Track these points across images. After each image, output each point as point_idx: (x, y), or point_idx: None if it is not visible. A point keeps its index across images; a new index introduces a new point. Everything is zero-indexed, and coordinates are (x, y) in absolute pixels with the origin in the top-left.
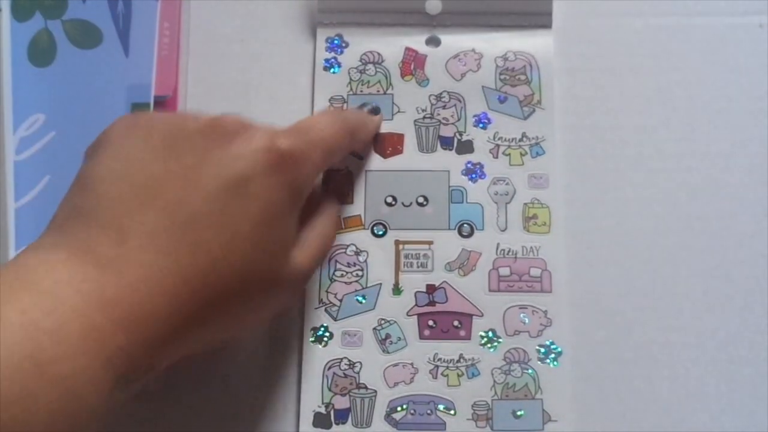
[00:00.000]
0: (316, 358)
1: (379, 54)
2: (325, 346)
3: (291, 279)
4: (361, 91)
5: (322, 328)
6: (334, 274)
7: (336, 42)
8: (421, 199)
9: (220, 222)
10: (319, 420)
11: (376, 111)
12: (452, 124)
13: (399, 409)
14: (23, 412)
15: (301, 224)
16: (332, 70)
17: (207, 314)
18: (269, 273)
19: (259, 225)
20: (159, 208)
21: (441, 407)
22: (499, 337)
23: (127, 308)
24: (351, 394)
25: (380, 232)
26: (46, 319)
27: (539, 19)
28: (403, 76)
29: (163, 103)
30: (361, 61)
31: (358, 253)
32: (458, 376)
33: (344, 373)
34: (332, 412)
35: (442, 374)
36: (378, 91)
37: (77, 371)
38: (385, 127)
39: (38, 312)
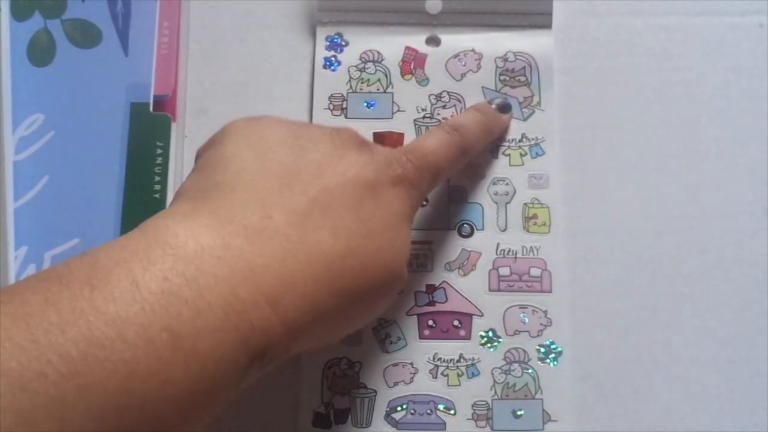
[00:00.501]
0: (316, 357)
1: (379, 53)
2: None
3: (401, 284)
4: (361, 90)
5: None
6: None
7: (336, 41)
8: None
9: (358, 215)
10: (319, 420)
11: (505, 108)
12: None
13: (399, 408)
14: (158, 386)
15: None
16: (332, 68)
17: (342, 302)
18: (394, 274)
19: (389, 228)
20: (299, 191)
21: (441, 407)
22: (499, 337)
23: (273, 281)
24: (351, 393)
25: None
26: (187, 287)
27: (539, 18)
28: (403, 75)
29: (163, 102)
30: (361, 59)
31: None
32: (458, 375)
33: (344, 373)
34: (332, 412)
35: (442, 374)
36: (378, 89)
37: (216, 347)
38: (385, 126)
39: (179, 279)
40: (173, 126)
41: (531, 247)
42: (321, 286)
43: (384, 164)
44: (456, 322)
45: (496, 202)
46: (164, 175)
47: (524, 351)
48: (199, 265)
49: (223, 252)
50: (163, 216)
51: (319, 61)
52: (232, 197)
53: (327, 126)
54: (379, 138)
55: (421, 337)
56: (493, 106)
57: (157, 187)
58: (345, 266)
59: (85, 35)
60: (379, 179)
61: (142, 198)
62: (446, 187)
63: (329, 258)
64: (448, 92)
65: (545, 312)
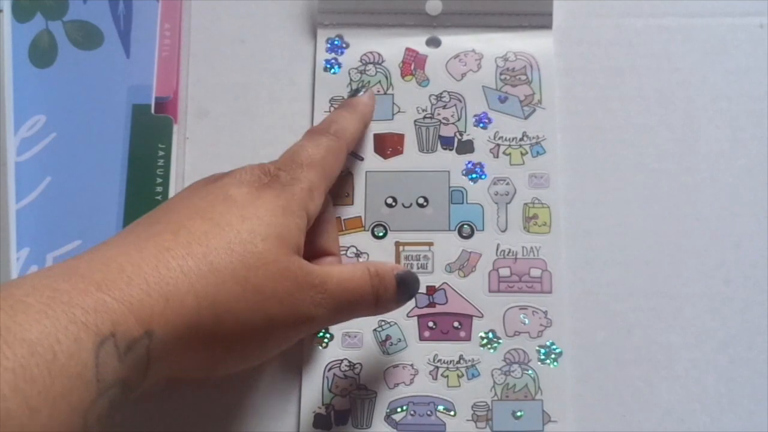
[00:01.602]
0: (317, 359)
1: (379, 54)
2: (325, 347)
3: (296, 272)
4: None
5: (323, 330)
6: None
7: (336, 42)
8: (421, 200)
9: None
10: (320, 421)
11: (357, 92)
12: (452, 123)
13: (399, 410)
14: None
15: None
16: (332, 70)
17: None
18: (264, 260)
19: (247, 222)
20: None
21: (441, 408)
22: (499, 338)
23: (101, 271)
24: (351, 395)
25: (380, 234)
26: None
27: (539, 19)
28: (403, 76)
29: (164, 104)
30: (361, 61)
31: (358, 254)
32: (458, 377)
33: (344, 375)
34: (332, 413)
35: (442, 375)
36: (378, 91)
37: (43, 332)
38: (386, 128)
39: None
40: (175, 128)
41: (531, 248)
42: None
43: (242, 179)
44: (456, 324)
45: (496, 203)
46: (166, 177)
47: (524, 352)
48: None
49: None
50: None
51: (320, 64)
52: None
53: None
54: (380, 139)
55: (422, 338)
56: (364, 93)
57: (159, 188)
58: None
59: (87, 37)
60: (234, 188)
61: (143, 199)
62: (446, 188)
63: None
64: (448, 92)
65: (545, 313)
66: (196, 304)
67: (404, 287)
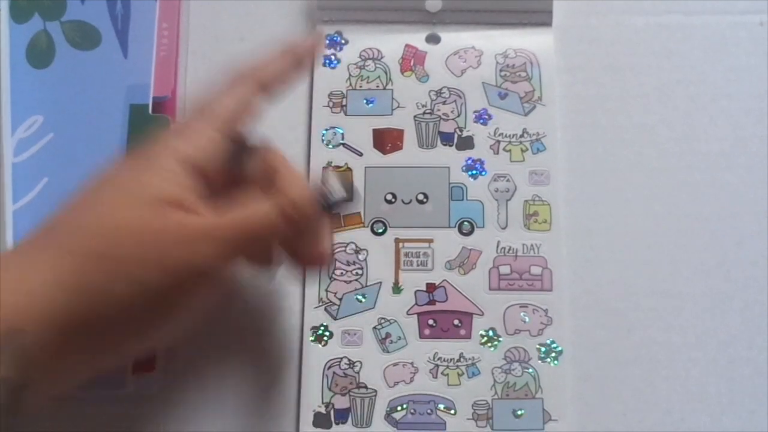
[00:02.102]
0: (316, 357)
1: (378, 50)
2: (325, 345)
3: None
4: (361, 87)
5: (322, 327)
6: (333, 272)
7: (336, 39)
8: (421, 197)
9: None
10: (319, 420)
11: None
12: (452, 119)
13: (399, 408)
14: None
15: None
16: (331, 66)
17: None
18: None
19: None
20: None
21: (441, 407)
22: (500, 336)
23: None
24: (351, 393)
25: (380, 230)
26: None
27: (539, 17)
28: (402, 72)
29: (162, 104)
30: (360, 57)
31: (357, 251)
32: (458, 375)
33: (344, 373)
34: (332, 412)
35: (442, 373)
36: (378, 86)
37: None
38: (385, 123)
39: None
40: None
41: (532, 245)
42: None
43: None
44: (456, 321)
45: (496, 199)
46: None
47: (524, 350)
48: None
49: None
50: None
51: (319, 60)
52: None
53: None
54: (379, 135)
55: (422, 336)
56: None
57: None
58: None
59: (85, 37)
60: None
61: None
62: (446, 184)
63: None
64: (448, 88)
65: (546, 311)
66: (64, 295)
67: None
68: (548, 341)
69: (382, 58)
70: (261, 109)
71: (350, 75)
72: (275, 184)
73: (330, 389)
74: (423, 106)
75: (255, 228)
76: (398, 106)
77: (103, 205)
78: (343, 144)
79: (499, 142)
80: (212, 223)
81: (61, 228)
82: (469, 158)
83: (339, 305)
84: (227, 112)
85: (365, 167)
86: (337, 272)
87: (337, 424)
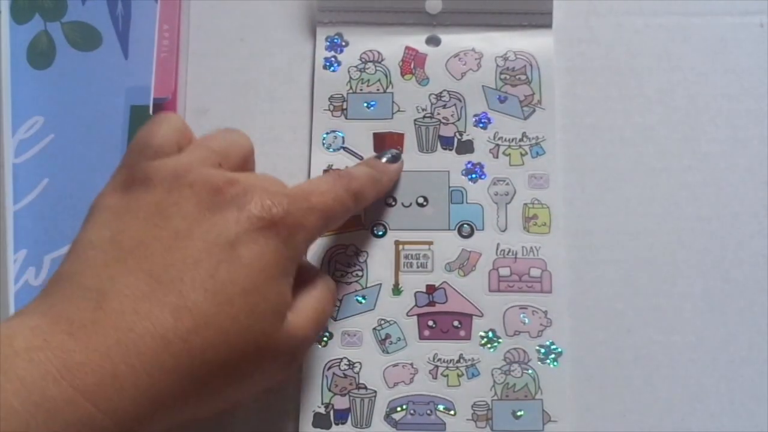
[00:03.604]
0: (316, 358)
1: (379, 53)
2: (324, 346)
3: (285, 347)
4: (361, 90)
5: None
6: (334, 274)
7: (336, 41)
8: (421, 200)
9: (207, 286)
10: (319, 420)
11: (396, 158)
12: (452, 123)
13: (399, 409)
14: None
15: (296, 293)
16: (332, 68)
17: (194, 383)
18: (260, 340)
19: (249, 290)
20: (144, 272)
21: (441, 407)
22: (499, 338)
23: (92, 376)
24: (351, 394)
25: (380, 233)
26: None
27: (539, 18)
28: (403, 74)
29: (163, 105)
30: (360, 59)
31: (358, 253)
32: (458, 376)
33: (344, 373)
34: (332, 413)
35: (441, 374)
36: (378, 89)
37: None
38: (385, 127)
39: None
40: None
41: (531, 248)
42: (159, 372)
43: (254, 217)
44: (456, 323)
45: (496, 202)
46: None
47: (524, 351)
48: (8, 371)
49: (38, 353)
50: (11, 318)
51: (319, 62)
52: (72, 290)
53: (203, 178)
54: (380, 139)
55: (421, 337)
56: (383, 160)
57: None
58: (190, 346)
59: (85, 38)
60: (241, 234)
61: None
62: (446, 188)
63: (169, 340)
64: (448, 91)
65: (545, 312)
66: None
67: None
68: (548, 342)
69: (382, 60)
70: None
71: (351, 78)
72: None
73: (330, 390)
74: (423, 109)
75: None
76: (398, 110)
77: (222, 319)
78: (344, 148)
79: (498, 146)
80: (305, 333)
81: (168, 307)
82: (469, 162)
83: (339, 306)
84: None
85: None
86: (338, 274)
87: (336, 424)
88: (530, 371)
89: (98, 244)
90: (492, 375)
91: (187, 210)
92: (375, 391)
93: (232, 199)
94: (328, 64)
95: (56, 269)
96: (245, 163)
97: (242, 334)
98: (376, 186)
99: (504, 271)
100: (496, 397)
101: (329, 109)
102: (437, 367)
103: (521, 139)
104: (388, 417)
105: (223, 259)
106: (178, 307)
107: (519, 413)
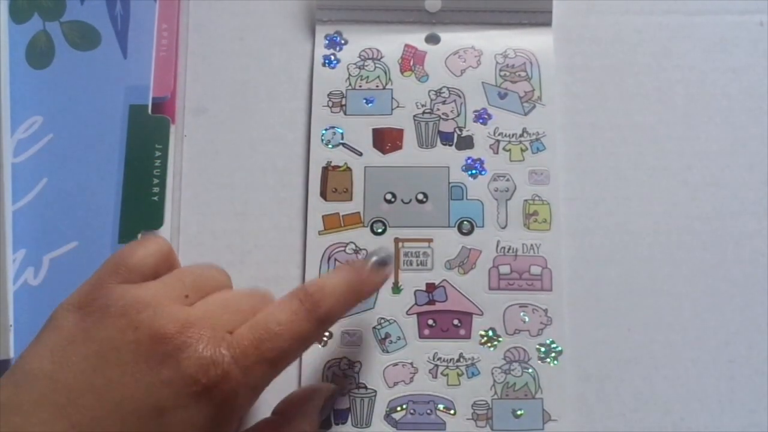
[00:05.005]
0: (316, 357)
1: (378, 50)
2: (324, 345)
3: None
4: (360, 86)
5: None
6: None
7: (335, 39)
8: (420, 196)
9: None
10: None
11: (385, 263)
12: (452, 119)
13: (399, 408)
14: None
15: None
16: (331, 65)
17: None
18: None
19: None
20: (71, 423)
21: (441, 407)
22: (499, 336)
23: None
24: (350, 393)
25: (379, 230)
26: None
27: (539, 16)
28: (402, 71)
29: (162, 104)
30: (360, 57)
31: (357, 251)
32: (458, 375)
33: (344, 373)
34: (332, 412)
35: (441, 374)
36: (377, 86)
37: None
38: (385, 122)
39: None
40: (172, 128)
41: (531, 245)
42: None
43: (189, 379)
44: (456, 321)
45: (496, 199)
46: (163, 178)
47: (524, 350)
48: None
49: None
50: None
51: (318, 59)
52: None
53: (151, 323)
54: (379, 134)
55: (421, 336)
56: (371, 263)
57: (156, 189)
58: None
59: (84, 37)
60: (171, 399)
61: (140, 200)
62: (446, 184)
63: None
64: (447, 88)
65: (545, 311)
66: None
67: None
68: (548, 341)
69: (381, 58)
70: None
71: (350, 75)
72: None
73: None
74: (422, 105)
75: None
76: (398, 106)
77: None
78: (343, 144)
79: (498, 141)
80: None
81: None
82: (469, 158)
83: None
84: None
85: (365, 167)
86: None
87: (336, 424)
88: (530, 370)
89: (36, 377)
90: (492, 374)
91: (125, 358)
92: (375, 391)
93: (172, 352)
94: (327, 61)
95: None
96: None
97: None
98: (352, 299)
99: (504, 269)
100: (496, 396)
101: (328, 105)
102: (437, 366)
103: (521, 135)
104: (388, 416)
105: (149, 427)
106: None
107: (519, 412)
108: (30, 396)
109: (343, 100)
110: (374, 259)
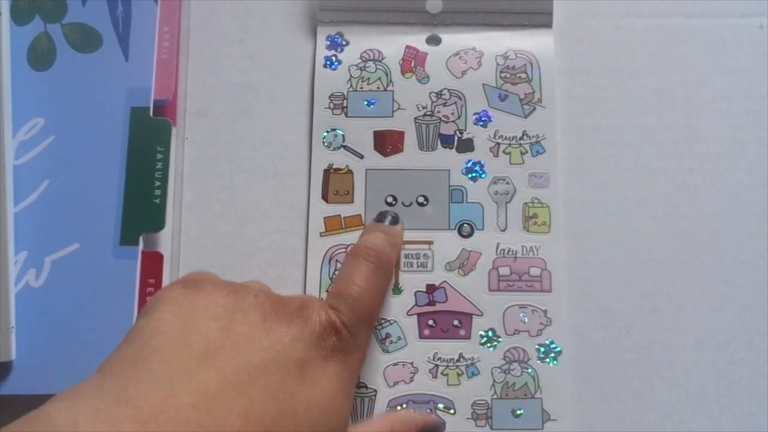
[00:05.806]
0: None
1: (379, 52)
2: None
3: None
4: (361, 88)
5: None
6: (334, 274)
7: (336, 40)
8: (421, 199)
9: (276, 397)
10: None
11: (396, 219)
12: (453, 121)
13: (399, 408)
14: None
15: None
16: (332, 66)
17: None
18: None
19: (314, 408)
20: (216, 369)
21: (440, 406)
22: (499, 337)
23: None
24: None
25: None
26: None
27: (540, 18)
28: (403, 73)
29: (163, 107)
30: (361, 58)
31: None
32: (458, 375)
33: None
34: None
35: (441, 373)
36: (378, 88)
37: None
38: (386, 125)
39: None
40: (173, 130)
41: (531, 247)
42: None
43: (316, 337)
44: (456, 322)
45: (496, 202)
46: (164, 180)
47: (524, 350)
48: None
49: None
50: (56, 399)
51: (320, 60)
52: (141, 375)
53: (268, 294)
54: (380, 137)
55: (421, 336)
56: (386, 223)
57: (157, 192)
58: None
59: (86, 39)
60: (309, 357)
61: (141, 203)
62: (446, 187)
63: None
64: (448, 89)
65: (545, 311)
66: None
67: None
68: (547, 341)
69: (382, 59)
70: None
71: (351, 76)
72: None
73: None
74: (423, 107)
75: None
76: (399, 108)
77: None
78: (344, 146)
79: (498, 144)
80: None
81: (237, 408)
82: (470, 161)
83: None
84: None
85: (366, 169)
86: (338, 273)
87: None
88: (530, 370)
89: (167, 333)
90: (492, 374)
91: (252, 319)
92: (375, 390)
93: (296, 312)
94: (328, 62)
95: (113, 352)
96: None
97: None
98: (396, 248)
99: (504, 271)
100: (495, 396)
101: (329, 107)
102: (437, 366)
103: (521, 138)
104: None
105: (289, 375)
106: (247, 411)
107: (518, 412)
108: (165, 348)
109: (345, 101)
110: (388, 218)
